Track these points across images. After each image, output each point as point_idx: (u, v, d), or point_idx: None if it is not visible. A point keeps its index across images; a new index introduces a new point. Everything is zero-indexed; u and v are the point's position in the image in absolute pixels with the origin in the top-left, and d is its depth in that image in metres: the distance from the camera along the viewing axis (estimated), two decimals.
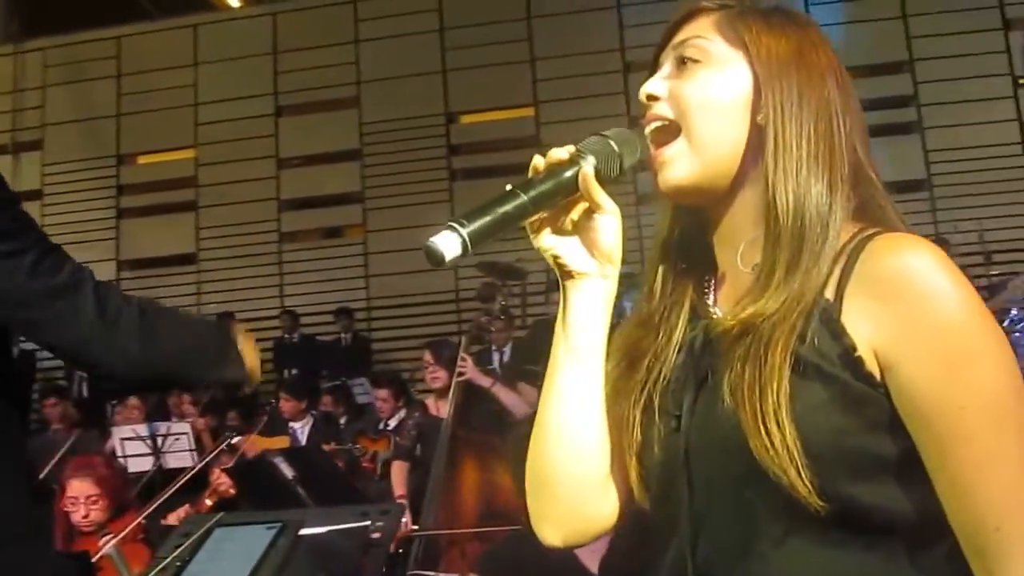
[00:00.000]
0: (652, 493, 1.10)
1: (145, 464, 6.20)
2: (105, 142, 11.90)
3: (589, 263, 1.08)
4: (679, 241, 1.16)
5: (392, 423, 6.48)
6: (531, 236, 1.07)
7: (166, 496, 4.75)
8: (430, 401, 5.27)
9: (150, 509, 4.33)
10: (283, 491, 3.86)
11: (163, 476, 5.89)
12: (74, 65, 12.08)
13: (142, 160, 12.20)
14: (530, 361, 6.29)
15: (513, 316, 7.75)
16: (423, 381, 6.16)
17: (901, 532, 0.96)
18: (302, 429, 7.00)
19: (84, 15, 11.36)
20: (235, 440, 5.97)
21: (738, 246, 1.08)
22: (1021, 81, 10.00)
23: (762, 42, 1.06)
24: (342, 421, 8.02)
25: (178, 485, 4.89)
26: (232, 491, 4.97)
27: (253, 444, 6.15)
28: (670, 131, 1.07)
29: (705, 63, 1.07)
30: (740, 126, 1.05)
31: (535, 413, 1.17)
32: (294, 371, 9.85)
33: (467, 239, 0.94)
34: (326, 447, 6.34)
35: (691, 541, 1.03)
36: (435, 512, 4.51)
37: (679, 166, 1.06)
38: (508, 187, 0.99)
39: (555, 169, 1.02)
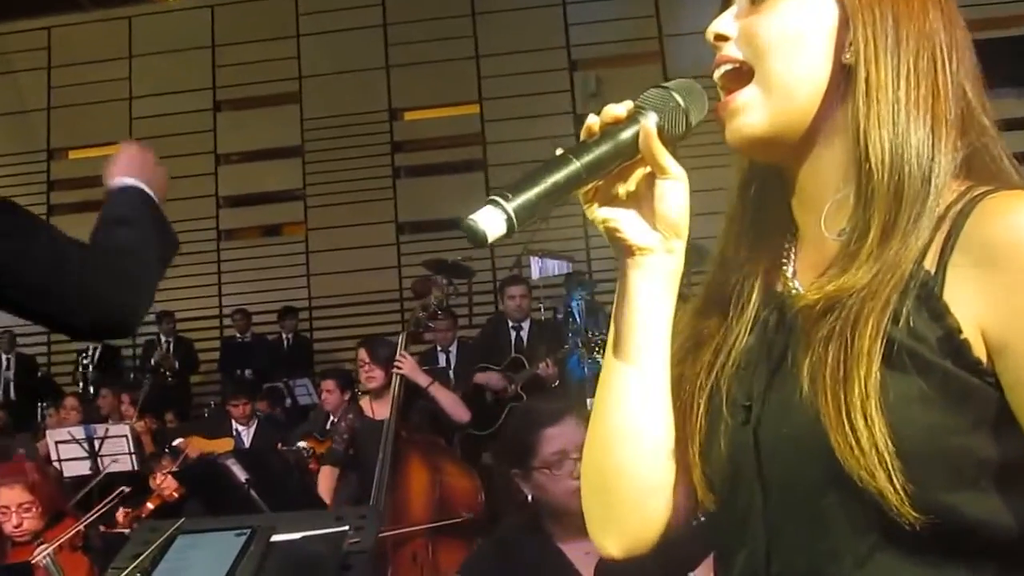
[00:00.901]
0: (717, 495, 0.97)
1: (82, 468, 5.96)
2: (35, 136, 11.56)
3: (652, 236, 0.95)
4: (754, 203, 1.02)
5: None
6: (584, 207, 0.95)
7: (108, 502, 4.54)
8: (365, 402, 5.06)
9: (91, 517, 4.13)
10: (236, 495, 3.69)
11: (100, 481, 5.67)
12: (2, 56, 11.68)
13: (74, 155, 11.87)
14: (484, 360, 6.20)
15: (455, 315, 7.61)
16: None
17: (1001, 552, 0.82)
18: (247, 431, 6.81)
19: (12, 4, 10.98)
20: (177, 443, 5.79)
21: (821, 208, 0.94)
22: None
23: None
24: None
25: (120, 491, 4.69)
26: (176, 495, 4.81)
27: (195, 447, 5.97)
28: (741, 75, 0.93)
29: None
30: (822, 65, 0.91)
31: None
32: (247, 371, 9.63)
33: (513, 215, 0.81)
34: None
35: (766, 555, 0.90)
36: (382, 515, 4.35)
37: (751, 115, 0.92)
38: (559, 151, 0.87)
39: (612, 129, 0.90)
